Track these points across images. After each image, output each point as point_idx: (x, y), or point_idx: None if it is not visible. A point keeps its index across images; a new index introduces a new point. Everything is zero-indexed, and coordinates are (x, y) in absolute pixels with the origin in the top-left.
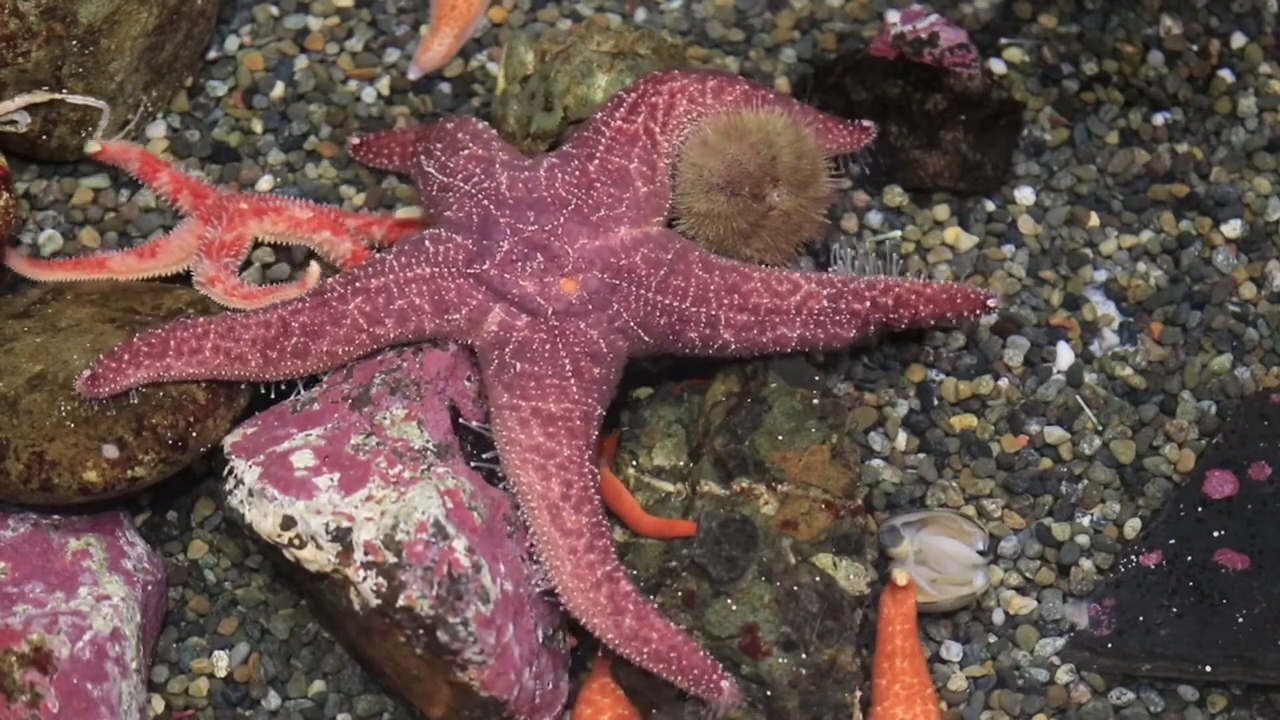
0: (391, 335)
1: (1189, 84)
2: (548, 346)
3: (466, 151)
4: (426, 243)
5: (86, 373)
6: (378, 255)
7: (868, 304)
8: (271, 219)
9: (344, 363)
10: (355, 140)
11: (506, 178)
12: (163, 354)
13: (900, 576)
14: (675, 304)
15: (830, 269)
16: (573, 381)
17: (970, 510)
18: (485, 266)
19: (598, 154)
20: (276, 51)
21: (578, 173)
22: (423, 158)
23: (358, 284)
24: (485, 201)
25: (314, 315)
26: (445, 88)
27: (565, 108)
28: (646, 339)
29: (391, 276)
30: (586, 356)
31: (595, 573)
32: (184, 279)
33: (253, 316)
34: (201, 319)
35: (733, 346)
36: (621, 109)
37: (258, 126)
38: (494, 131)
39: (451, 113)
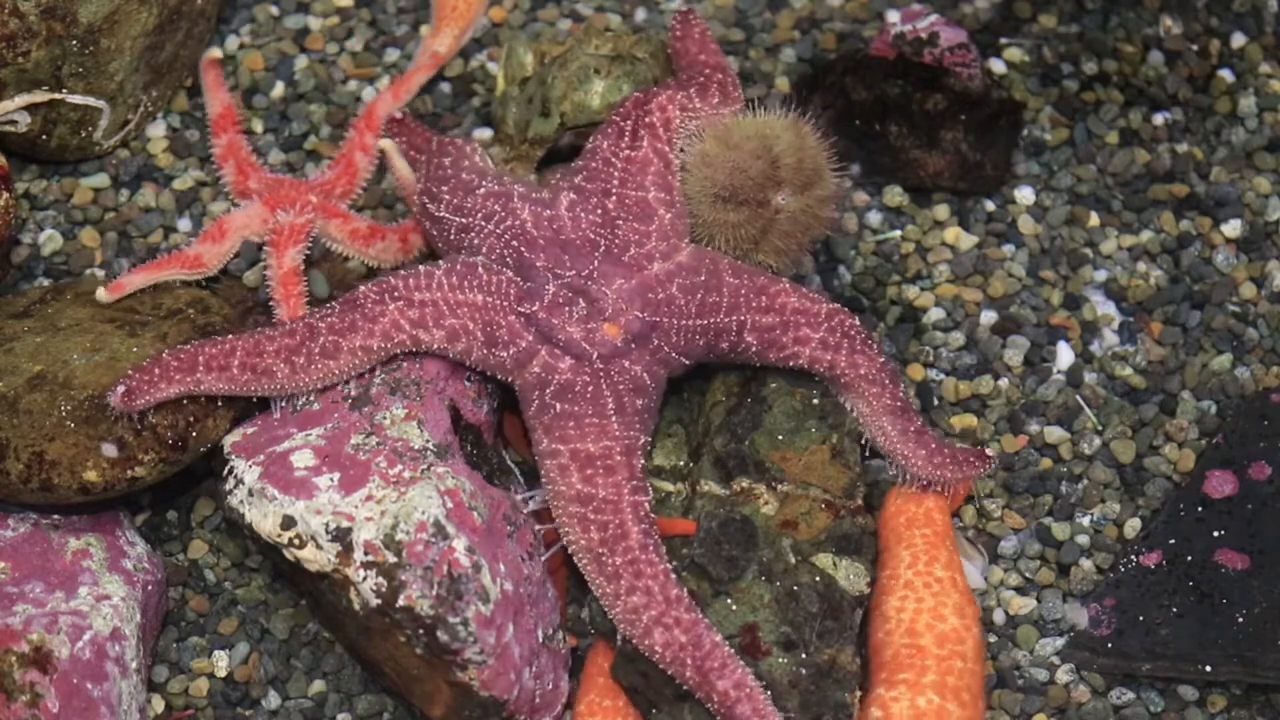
0: (435, 346)
1: (1189, 84)
2: (591, 388)
3: (482, 190)
4: (480, 270)
5: (120, 388)
6: (420, 268)
7: (893, 369)
8: (337, 224)
9: (383, 359)
10: (398, 114)
11: (530, 214)
12: (193, 369)
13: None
14: (712, 321)
15: None
16: (614, 419)
17: (971, 513)
18: (535, 308)
19: (613, 189)
20: (276, 51)
21: (599, 210)
22: (428, 203)
23: (397, 292)
24: (514, 243)
25: (344, 316)
26: (445, 88)
27: (562, 114)
28: (686, 362)
29: (440, 294)
30: (631, 391)
31: (642, 618)
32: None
33: (279, 328)
34: (230, 335)
35: (754, 349)
36: (625, 138)
37: (258, 126)
38: (488, 159)
39: (451, 113)
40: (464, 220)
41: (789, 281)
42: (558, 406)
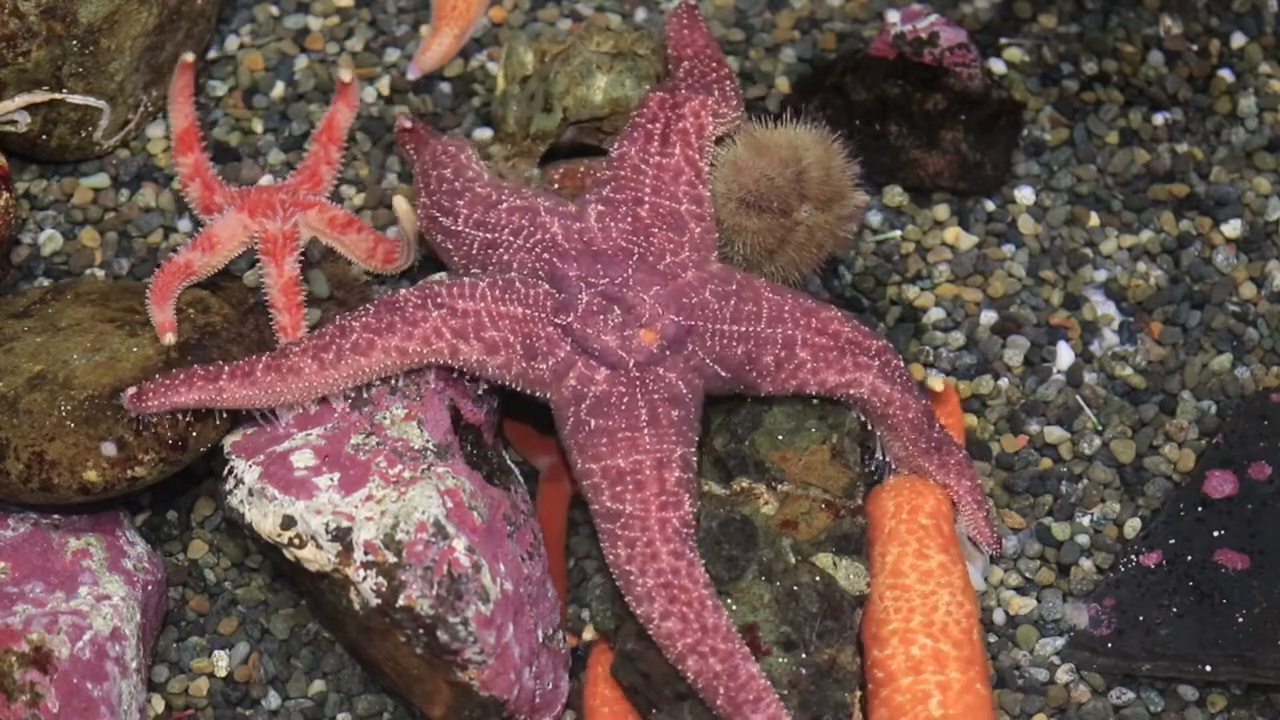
0: (474, 358)
1: (1189, 84)
2: (625, 399)
3: (505, 205)
4: (517, 283)
5: (132, 389)
6: (463, 278)
7: (930, 409)
8: (314, 213)
9: (414, 366)
10: (407, 124)
11: (559, 227)
12: (216, 378)
13: (936, 383)
14: (750, 329)
15: None
16: (646, 431)
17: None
18: (570, 319)
19: (646, 198)
20: (276, 51)
21: (630, 219)
22: (440, 217)
23: (440, 299)
24: (546, 255)
25: (380, 317)
26: (445, 88)
27: (565, 109)
28: (723, 373)
29: (484, 304)
30: (665, 401)
31: (677, 645)
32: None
33: (304, 336)
34: (257, 352)
35: (808, 365)
36: (654, 143)
37: (258, 126)
38: (482, 164)
39: (451, 113)
40: (489, 235)
41: (837, 310)
42: (592, 423)
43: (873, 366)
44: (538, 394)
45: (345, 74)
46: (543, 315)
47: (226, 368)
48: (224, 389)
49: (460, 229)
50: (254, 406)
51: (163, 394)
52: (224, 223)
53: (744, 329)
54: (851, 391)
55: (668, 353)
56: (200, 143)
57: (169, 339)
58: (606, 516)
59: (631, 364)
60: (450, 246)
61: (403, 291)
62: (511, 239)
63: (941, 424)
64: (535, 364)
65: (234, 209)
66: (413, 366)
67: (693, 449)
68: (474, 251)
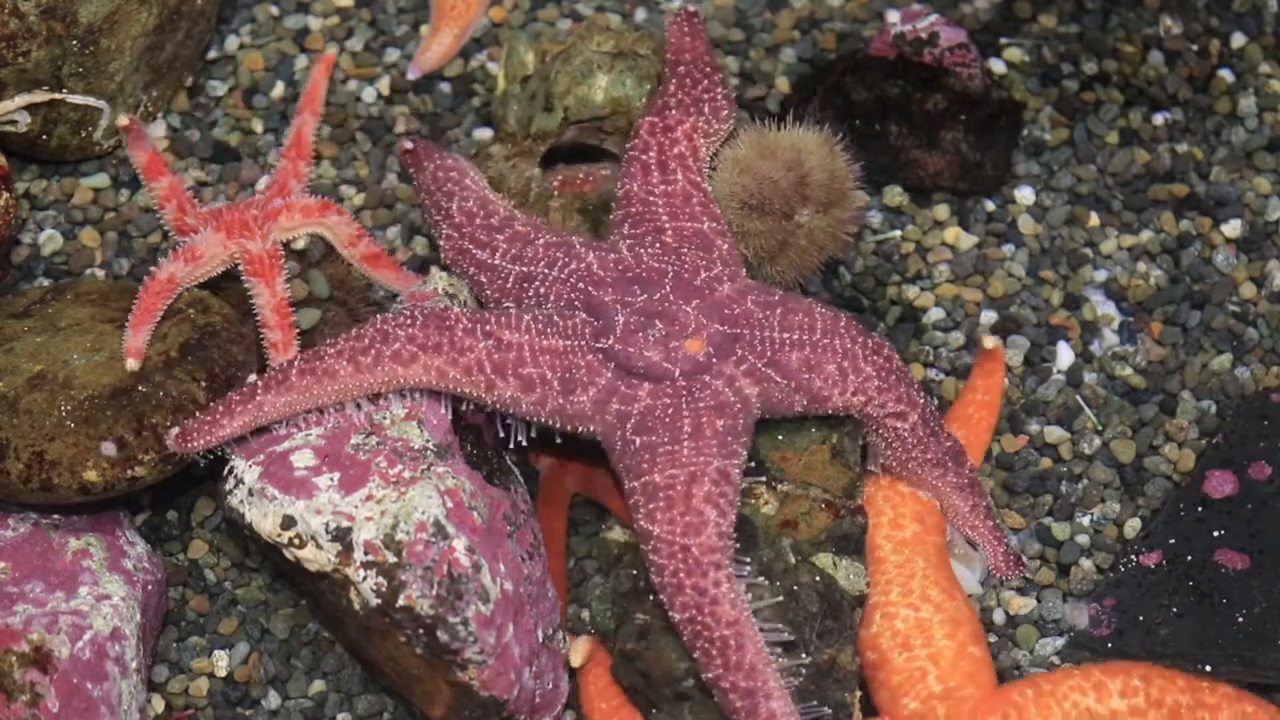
0: (508, 395)
1: (1189, 84)
2: (670, 410)
3: (542, 241)
4: (555, 317)
5: (175, 430)
6: (509, 309)
7: (960, 449)
8: (287, 215)
9: (443, 391)
10: (409, 145)
11: (594, 257)
12: (252, 395)
13: (989, 341)
14: (805, 337)
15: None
16: (686, 444)
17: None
18: (610, 341)
19: (665, 225)
20: (276, 51)
21: (658, 245)
22: (476, 251)
23: (489, 327)
24: (581, 284)
25: (429, 333)
26: (445, 88)
27: (566, 108)
28: (778, 378)
29: (527, 338)
30: (711, 410)
31: (705, 674)
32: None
33: (344, 335)
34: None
35: (875, 382)
36: (654, 173)
37: (258, 126)
38: (482, 179)
39: (451, 113)
40: (525, 269)
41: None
42: (637, 441)
43: (919, 404)
44: (579, 429)
45: (326, 48)
46: (582, 344)
47: (260, 381)
48: (263, 403)
49: (497, 263)
50: (293, 414)
51: (207, 430)
52: (204, 239)
53: (797, 336)
54: (897, 424)
55: (714, 360)
56: (167, 167)
57: (132, 365)
58: (642, 537)
59: (677, 374)
60: (484, 279)
61: (454, 310)
62: (547, 271)
63: (972, 466)
64: (574, 398)
65: (210, 229)
66: (442, 390)
67: (735, 463)
68: (508, 285)
